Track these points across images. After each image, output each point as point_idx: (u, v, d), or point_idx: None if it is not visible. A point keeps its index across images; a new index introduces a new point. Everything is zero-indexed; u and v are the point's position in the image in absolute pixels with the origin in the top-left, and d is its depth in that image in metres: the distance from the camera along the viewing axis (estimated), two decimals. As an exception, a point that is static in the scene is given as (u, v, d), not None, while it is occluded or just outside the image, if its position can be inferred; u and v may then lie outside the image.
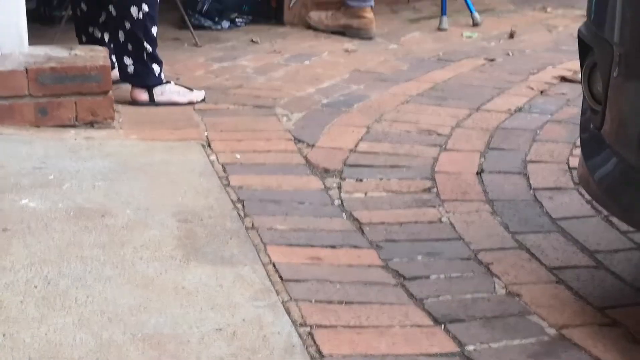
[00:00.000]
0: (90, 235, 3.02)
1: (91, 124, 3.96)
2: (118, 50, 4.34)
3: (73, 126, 3.94)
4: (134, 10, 4.23)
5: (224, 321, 2.59)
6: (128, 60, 4.30)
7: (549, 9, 6.08)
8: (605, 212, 3.23)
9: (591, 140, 2.69)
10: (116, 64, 4.42)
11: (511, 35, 5.38)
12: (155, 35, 4.31)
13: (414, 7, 6.05)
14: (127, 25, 4.25)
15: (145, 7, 4.24)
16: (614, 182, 2.57)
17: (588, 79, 2.69)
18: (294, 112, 4.28)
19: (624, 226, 3.14)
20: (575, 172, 3.57)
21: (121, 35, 4.28)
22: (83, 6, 4.45)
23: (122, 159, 3.64)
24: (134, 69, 4.30)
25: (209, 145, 3.85)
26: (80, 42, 4.44)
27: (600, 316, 2.70)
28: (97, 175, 3.47)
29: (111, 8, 4.28)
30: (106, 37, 4.45)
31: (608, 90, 2.53)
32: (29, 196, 3.27)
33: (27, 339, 2.46)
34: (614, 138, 2.55)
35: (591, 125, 2.69)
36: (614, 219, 3.19)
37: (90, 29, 4.46)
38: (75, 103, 3.93)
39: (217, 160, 3.70)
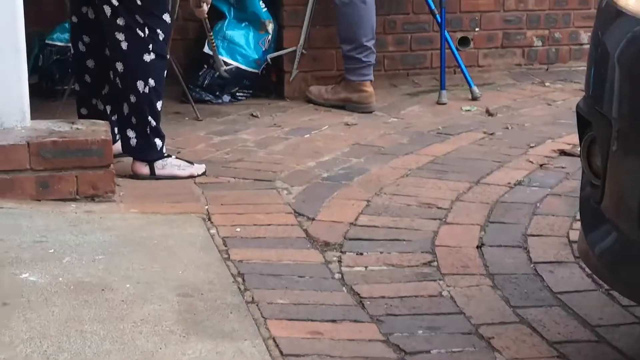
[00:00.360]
0: (90, 310, 3.01)
1: (92, 198, 3.97)
2: (121, 123, 4.37)
3: (74, 200, 3.95)
4: (140, 84, 4.26)
5: (224, 396, 2.57)
6: (131, 133, 4.32)
7: (547, 83, 6.11)
8: (606, 286, 3.22)
9: (591, 215, 2.70)
10: (118, 137, 4.45)
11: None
12: (159, 109, 4.34)
13: (413, 81, 6.09)
14: (133, 98, 4.28)
15: (151, 82, 4.27)
16: (614, 256, 2.57)
17: (587, 154, 2.70)
18: (295, 185, 4.29)
19: (625, 300, 3.13)
20: (575, 246, 3.56)
21: (125, 108, 4.31)
22: (87, 78, 4.49)
23: (122, 233, 3.65)
24: (137, 142, 4.33)
25: (210, 219, 3.85)
26: (80, 116, 4.47)
27: (602, 391, 2.69)
28: (98, 249, 3.47)
29: (117, 80, 4.31)
30: (108, 109, 4.48)
31: (607, 164, 2.55)
32: (30, 270, 3.26)
33: (25, 415, 2.45)
34: (613, 212, 2.56)
35: (591, 200, 2.70)
36: (615, 293, 3.18)
37: (94, 101, 4.49)
38: (77, 177, 3.95)
39: (218, 233, 3.71)
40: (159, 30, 4.26)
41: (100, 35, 4.36)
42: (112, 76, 4.36)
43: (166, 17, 4.30)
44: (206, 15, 4.91)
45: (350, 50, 5.56)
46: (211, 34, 5.37)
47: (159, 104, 4.33)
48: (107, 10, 4.23)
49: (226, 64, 5.62)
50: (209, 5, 4.80)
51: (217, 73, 5.59)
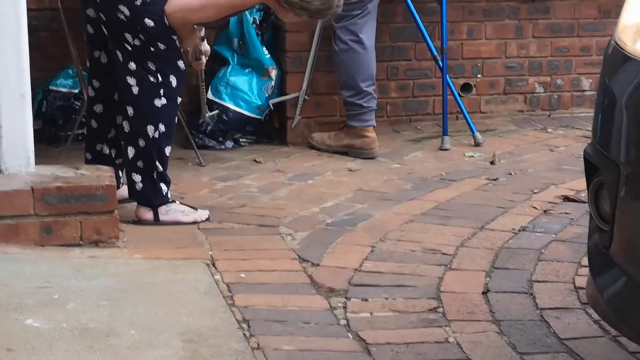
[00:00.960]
0: (95, 356, 2.99)
1: (96, 243, 3.96)
2: (127, 166, 4.36)
3: (78, 245, 3.94)
4: (150, 129, 4.26)
5: None
6: (136, 177, 4.31)
7: (550, 129, 6.12)
8: (613, 332, 3.21)
9: (599, 260, 2.69)
10: (122, 182, 4.44)
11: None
12: (167, 155, 4.34)
13: (415, 127, 6.10)
14: (141, 142, 4.28)
15: (162, 127, 4.28)
16: (623, 301, 2.56)
17: (595, 199, 2.70)
18: (298, 231, 4.28)
19: (632, 346, 3.11)
20: (582, 292, 3.55)
21: (131, 152, 4.30)
22: (93, 123, 4.50)
23: (126, 278, 3.64)
24: (142, 187, 4.32)
25: (214, 265, 3.84)
26: (86, 161, 4.47)
27: None
28: (102, 294, 3.45)
29: (124, 124, 4.31)
30: (114, 153, 4.48)
31: (616, 209, 2.54)
32: (34, 316, 3.25)
33: None
34: (622, 257, 2.55)
35: (599, 245, 2.69)
36: (623, 339, 3.16)
37: (98, 146, 4.48)
38: (81, 222, 3.94)
39: (222, 279, 3.70)
40: (171, 77, 4.27)
41: (110, 80, 4.38)
42: (120, 120, 4.36)
43: (180, 64, 4.30)
44: (204, 66, 4.91)
45: (350, 97, 5.57)
46: (203, 84, 5.40)
47: (167, 149, 4.33)
48: (120, 55, 4.25)
49: (211, 109, 5.62)
50: (207, 58, 4.79)
51: (208, 119, 5.60)
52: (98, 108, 4.48)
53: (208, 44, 4.81)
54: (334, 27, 5.55)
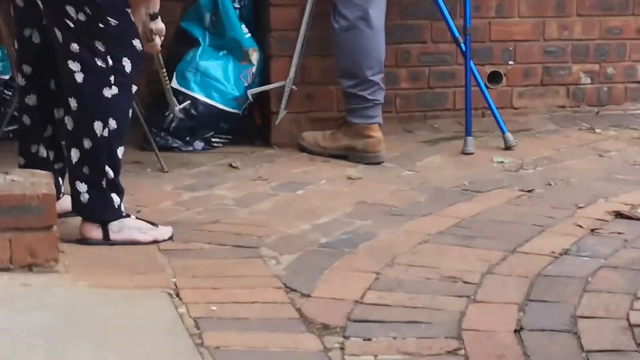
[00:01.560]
0: (26, 409, 2.97)
1: (29, 267, 3.95)
2: (70, 173, 4.37)
3: (7, 270, 3.92)
4: (97, 125, 4.25)
5: None
6: (81, 187, 4.30)
7: (598, 130, 6.15)
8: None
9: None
10: (63, 192, 4.42)
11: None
12: (120, 157, 4.34)
13: (432, 126, 6.13)
14: (87, 143, 4.27)
15: (112, 123, 4.26)
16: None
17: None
18: (284, 253, 4.29)
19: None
20: (637, 331, 3.57)
21: (75, 155, 4.29)
22: (26, 119, 4.48)
23: (67, 312, 3.63)
24: (88, 199, 4.31)
25: (178, 295, 3.84)
26: (19, 166, 4.46)
27: None
28: (36, 332, 3.44)
29: (67, 120, 4.30)
30: (52, 156, 4.47)
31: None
32: (-54, 361, 3.23)
33: None
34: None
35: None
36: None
37: (34, 148, 4.48)
38: (10, 241, 3.93)
39: (188, 313, 3.69)
40: (125, 60, 4.27)
41: (45, 65, 4.36)
42: (61, 114, 4.35)
43: (136, 43, 4.30)
44: (159, 49, 4.85)
45: (352, 87, 5.59)
46: (164, 70, 5.36)
47: (119, 151, 4.32)
48: (59, 34, 4.24)
49: (180, 101, 5.58)
50: (162, 39, 4.74)
51: (179, 113, 5.58)
52: (31, 100, 4.47)
53: (173, 19, 4.80)
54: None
